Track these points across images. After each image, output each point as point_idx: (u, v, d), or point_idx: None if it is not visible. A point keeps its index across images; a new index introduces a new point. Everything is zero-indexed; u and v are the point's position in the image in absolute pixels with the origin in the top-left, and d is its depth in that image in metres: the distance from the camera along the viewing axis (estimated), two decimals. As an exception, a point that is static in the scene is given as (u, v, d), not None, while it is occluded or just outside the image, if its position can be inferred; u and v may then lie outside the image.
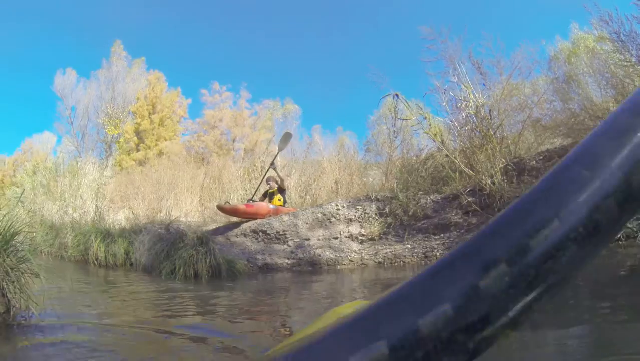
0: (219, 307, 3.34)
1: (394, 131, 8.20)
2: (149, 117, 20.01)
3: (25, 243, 2.75)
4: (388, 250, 5.38)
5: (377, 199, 6.25)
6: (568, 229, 0.17)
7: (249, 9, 35.70)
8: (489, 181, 5.44)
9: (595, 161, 0.19)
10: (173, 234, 5.46)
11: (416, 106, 6.58)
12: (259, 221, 6.14)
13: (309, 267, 5.32)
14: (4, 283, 2.37)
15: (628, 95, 0.23)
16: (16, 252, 2.55)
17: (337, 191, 7.98)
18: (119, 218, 8.18)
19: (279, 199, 6.81)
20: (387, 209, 6.00)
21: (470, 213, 5.42)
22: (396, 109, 7.29)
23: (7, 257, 2.44)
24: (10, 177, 21.37)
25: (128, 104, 20.18)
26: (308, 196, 8.31)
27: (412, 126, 6.81)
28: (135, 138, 19.69)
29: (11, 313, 2.36)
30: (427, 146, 7.15)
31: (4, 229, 2.52)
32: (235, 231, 6.13)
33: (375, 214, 6.02)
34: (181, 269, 4.71)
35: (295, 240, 5.79)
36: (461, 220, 5.43)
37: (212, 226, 6.58)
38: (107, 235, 6.26)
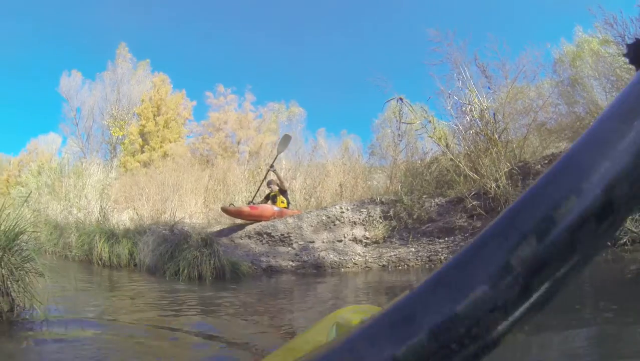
0: (222, 308, 3.33)
1: (399, 134, 8.22)
2: (154, 119, 20.08)
3: (30, 243, 2.77)
4: (392, 253, 5.35)
5: (382, 203, 6.23)
6: (589, 204, 0.18)
7: (254, 12, 35.89)
8: (493, 185, 5.41)
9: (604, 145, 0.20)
10: (177, 235, 5.47)
11: (421, 109, 6.57)
12: (263, 223, 6.14)
13: (313, 270, 5.30)
14: (8, 282, 2.38)
15: None
16: (21, 251, 2.56)
17: (341, 194, 7.96)
18: (123, 218, 8.21)
19: (282, 201, 6.79)
20: (391, 213, 5.98)
21: (475, 217, 5.39)
22: (401, 112, 7.28)
23: (12, 256, 2.46)
24: (15, 177, 21.56)
25: (133, 105, 20.27)
26: (312, 199, 8.29)
27: (416, 129, 6.82)
28: (140, 140, 19.76)
29: (15, 312, 2.38)
30: (431, 149, 7.13)
31: (9, 228, 2.53)
32: (240, 233, 6.13)
33: (380, 217, 6.00)
34: (185, 271, 4.71)
35: (300, 243, 5.78)
36: (466, 224, 5.40)
37: (217, 228, 6.58)
38: (111, 236, 6.28)
